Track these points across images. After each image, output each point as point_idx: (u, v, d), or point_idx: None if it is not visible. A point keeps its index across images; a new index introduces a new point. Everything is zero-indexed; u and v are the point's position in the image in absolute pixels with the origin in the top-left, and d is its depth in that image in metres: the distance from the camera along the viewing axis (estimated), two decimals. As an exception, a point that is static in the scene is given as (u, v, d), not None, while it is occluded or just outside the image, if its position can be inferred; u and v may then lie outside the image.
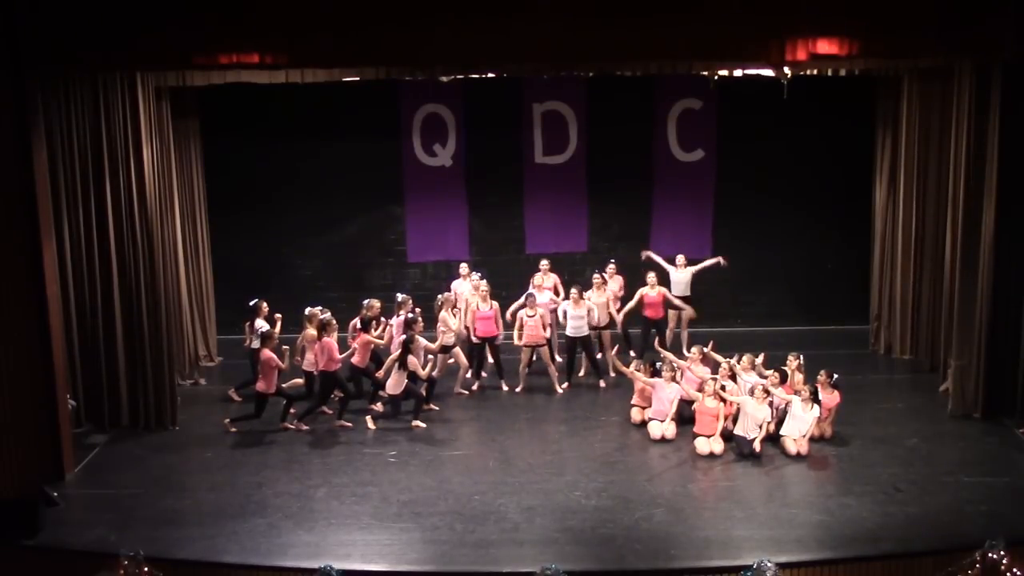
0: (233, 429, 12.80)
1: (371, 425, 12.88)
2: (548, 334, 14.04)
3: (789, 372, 12.45)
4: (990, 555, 9.04)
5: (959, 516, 10.35)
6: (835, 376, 12.27)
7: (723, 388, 12.13)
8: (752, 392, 11.92)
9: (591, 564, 9.63)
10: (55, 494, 10.84)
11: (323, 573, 9.11)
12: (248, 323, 13.73)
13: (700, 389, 12.26)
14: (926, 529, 10.14)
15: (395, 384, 12.78)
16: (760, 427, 11.77)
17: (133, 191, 12.63)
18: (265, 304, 13.75)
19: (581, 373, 14.46)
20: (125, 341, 12.85)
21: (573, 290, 14.03)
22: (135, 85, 12.54)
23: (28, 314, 11.23)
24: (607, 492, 11.04)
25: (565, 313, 13.97)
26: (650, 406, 12.60)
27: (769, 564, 9.03)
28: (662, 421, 12.34)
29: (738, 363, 12.46)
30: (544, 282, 14.75)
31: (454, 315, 13.83)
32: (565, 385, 14.12)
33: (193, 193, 15.29)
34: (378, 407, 13.22)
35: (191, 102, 15.04)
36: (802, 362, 12.63)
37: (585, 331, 13.97)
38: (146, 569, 9.14)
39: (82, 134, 12.44)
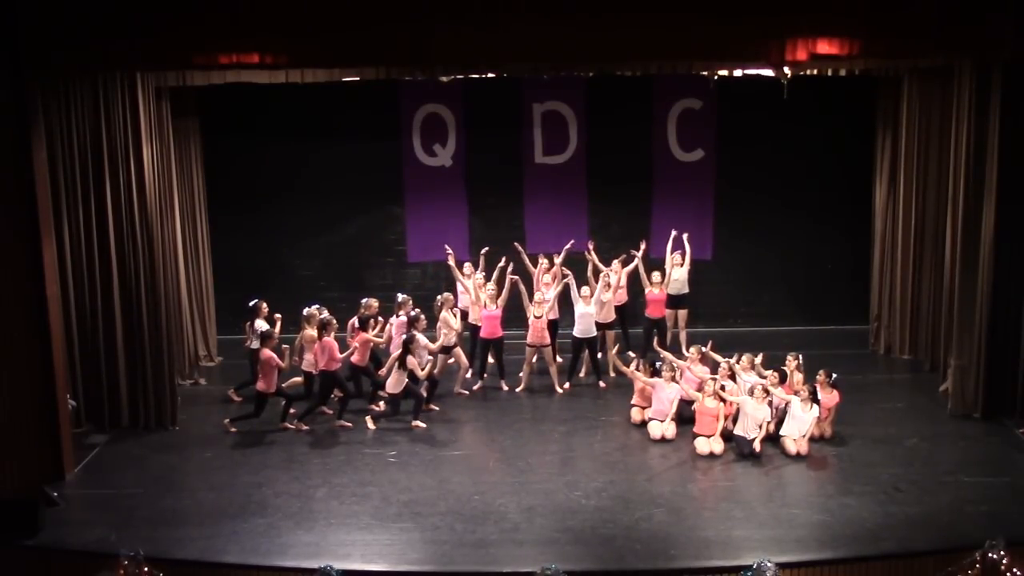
0: (233, 429, 12.80)
1: (371, 425, 12.88)
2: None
3: (788, 372, 12.46)
4: (990, 555, 9.03)
5: (959, 516, 10.36)
6: (834, 376, 12.27)
7: (723, 388, 12.13)
8: (752, 392, 11.91)
9: (591, 564, 9.63)
10: (55, 494, 10.84)
11: (323, 573, 9.10)
12: (248, 323, 13.72)
13: (700, 389, 12.26)
14: (926, 529, 10.14)
15: (395, 383, 12.78)
16: (760, 427, 11.77)
17: (133, 191, 12.64)
18: (265, 304, 13.76)
19: (582, 374, 14.45)
20: (125, 341, 12.85)
21: (584, 289, 14.03)
22: (135, 85, 12.54)
23: (28, 314, 11.23)
24: (607, 492, 11.04)
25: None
26: (650, 406, 12.60)
27: (769, 564, 9.02)
28: (662, 421, 12.34)
29: (737, 363, 12.47)
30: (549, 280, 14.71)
31: (454, 315, 13.85)
32: (566, 385, 14.12)
33: (193, 193, 15.29)
34: (379, 407, 13.22)
35: (191, 102, 15.04)
36: (801, 362, 12.63)
37: (593, 332, 13.97)
38: (146, 569, 9.12)
39: (82, 134, 12.44)
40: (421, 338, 13.10)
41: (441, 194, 16.32)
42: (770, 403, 11.89)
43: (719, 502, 10.89)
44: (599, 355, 14.40)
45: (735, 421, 11.97)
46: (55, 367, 11.48)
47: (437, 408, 13.39)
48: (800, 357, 12.67)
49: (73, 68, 11.68)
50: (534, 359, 14.04)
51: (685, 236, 15.04)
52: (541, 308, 13.80)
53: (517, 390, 14.06)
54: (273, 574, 9.70)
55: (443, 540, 10.08)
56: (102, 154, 12.50)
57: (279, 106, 15.34)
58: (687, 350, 13.81)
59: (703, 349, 12.88)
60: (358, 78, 13.41)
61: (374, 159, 16.20)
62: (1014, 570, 8.99)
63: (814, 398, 11.93)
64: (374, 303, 13.61)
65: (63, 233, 12.37)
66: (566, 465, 11.82)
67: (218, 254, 15.85)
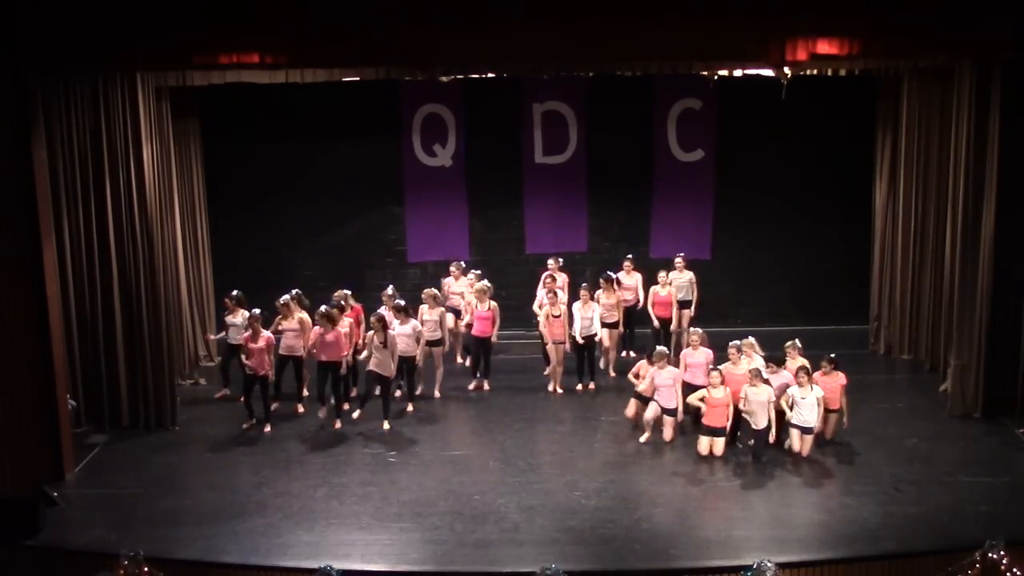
0: (267, 428, 12.87)
1: (337, 425, 12.93)
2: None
3: (789, 357, 12.31)
4: (990, 555, 9.04)
5: (959, 516, 10.37)
6: (832, 355, 12.09)
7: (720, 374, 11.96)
8: (750, 379, 11.77)
9: (591, 564, 9.64)
10: (55, 494, 10.85)
11: (323, 573, 9.11)
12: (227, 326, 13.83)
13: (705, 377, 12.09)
14: (926, 529, 10.15)
15: (381, 363, 12.67)
16: (766, 412, 11.61)
17: (133, 191, 12.64)
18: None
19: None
20: (125, 341, 12.85)
21: (582, 291, 14.01)
22: (135, 85, 12.54)
23: (28, 314, 11.23)
24: (607, 492, 11.05)
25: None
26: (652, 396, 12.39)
27: (769, 564, 9.04)
28: (665, 410, 12.22)
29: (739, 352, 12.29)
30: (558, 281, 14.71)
31: (432, 310, 13.78)
32: (579, 386, 14.07)
33: (193, 193, 15.29)
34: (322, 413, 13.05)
35: (191, 102, 15.04)
36: (800, 346, 12.44)
37: (593, 331, 13.95)
38: (146, 569, 9.14)
39: (82, 134, 12.44)
40: (399, 326, 13.07)
41: (441, 194, 16.31)
42: (767, 381, 11.74)
43: (719, 502, 10.90)
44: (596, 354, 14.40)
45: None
46: (55, 367, 11.49)
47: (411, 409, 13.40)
48: (797, 340, 12.54)
49: (73, 68, 11.67)
50: (562, 356, 13.98)
51: (681, 256, 15.03)
52: (558, 308, 13.78)
53: (559, 390, 13.98)
54: (273, 574, 9.71)
55: (443, 540, 10.09)
56: (102, 154, 12.50)
57: (279, 106, 15.33)
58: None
59: (701, 333, 12.78)
60: (358, 78, 13.40)
61: (374, 159, 16.19)
62: (1014, 570, 8.99)
63: (807, 374, 11.72)
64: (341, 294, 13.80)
65: (63, 233, 12.37)
66: (566, 465, 11.82)
67: (218, 254, 15.85)
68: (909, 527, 10.18)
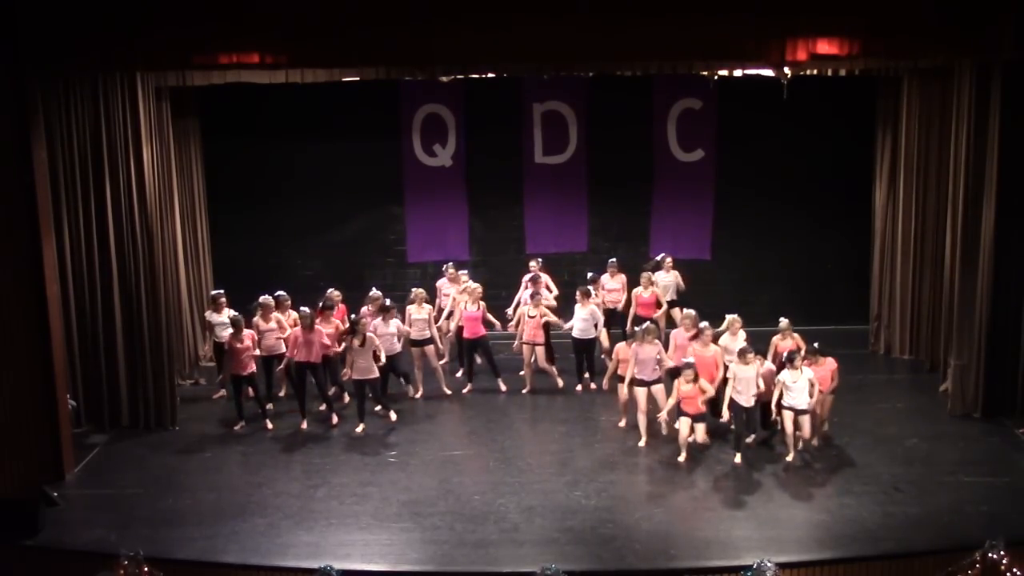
0: (270, 426, 12.92)
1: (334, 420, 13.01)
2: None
3: (784, 335, 12.31)
4: (990, 555, 9.04)
5: (959, 516, 10.36)
6: (815, 344, 12.01)
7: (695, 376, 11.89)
8: (739, 355, 11.71)
9: (591, 564, 9.64)
10: (55, 494, 10.85)
11: (323, 573, 9.11)
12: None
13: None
14: (926, 529, 10.15)
15: (363, 369, 12.66)
16: (753, 387, 11.54)
17: (133, 191, 12.64)
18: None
19: (587, 374, 14.37)
20: (125, 341, 12.85)
21: (579, 292, 13.99)
22: (135, 85, 12.55)
23: (28, 314, 11.24)
24: (607, 492, 11.05)
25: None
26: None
27: (769, 564, 9.04)
28: (647, 380, 12.16)
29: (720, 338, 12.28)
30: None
31: (420, 309, 13.76)
32: (578, 387, 14.06)
33: (193, 193, 15.30)
34: (334, 420, 13.10)
35: (191, 102, 15.05)
36: (784, 321, 12.45)
37: (592, 333, 13.92)
38: (146, 569, 9.14)
39: (82, 134, 12.44)
40: (383, 325, 13.10)
41: (441, 194, 16.32)
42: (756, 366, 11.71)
43: (719, 502, 10.89)
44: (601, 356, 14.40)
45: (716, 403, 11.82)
46: (55, 367, 11.50)
47: (395, 417, 13.14)
48: (784, 320, 12.56)
49: (73, 68, 11.68)
50: (531, 359, 13.98)
51: (664, 256, 15.00)
52: (537, 309, 13.76)
53: (524, 391, 14.02)
54: (273, 574, 9.71)
55: (443, 540, 10.09)
56: (102, 154, 12.51)
57: (279, 106, 15.32)
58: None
59: (693, 315, 12.72)
60: (358, 78, 13.41)
61: (374, 159, 16.20)
62: (1014, 570, 8.99)
63: (791, 361, 11.58)
64: (336, 295, 13.82)
65: (63, 233, 12.38)
66: (566, 465, 11.82)
67: (218, 254, 15.87)
68: (909, 527, 10.18)
